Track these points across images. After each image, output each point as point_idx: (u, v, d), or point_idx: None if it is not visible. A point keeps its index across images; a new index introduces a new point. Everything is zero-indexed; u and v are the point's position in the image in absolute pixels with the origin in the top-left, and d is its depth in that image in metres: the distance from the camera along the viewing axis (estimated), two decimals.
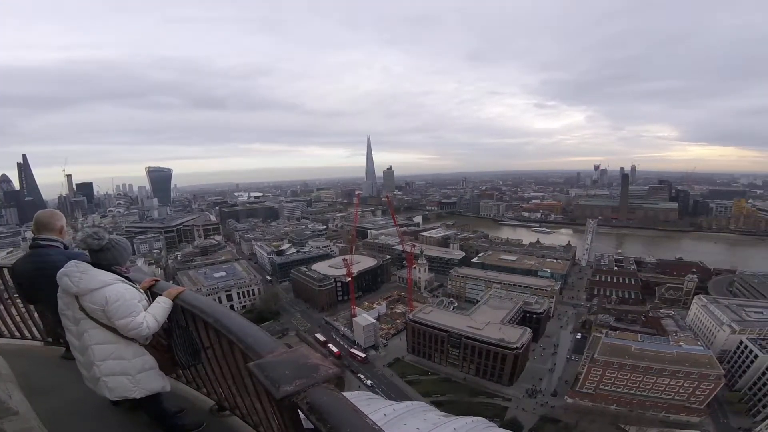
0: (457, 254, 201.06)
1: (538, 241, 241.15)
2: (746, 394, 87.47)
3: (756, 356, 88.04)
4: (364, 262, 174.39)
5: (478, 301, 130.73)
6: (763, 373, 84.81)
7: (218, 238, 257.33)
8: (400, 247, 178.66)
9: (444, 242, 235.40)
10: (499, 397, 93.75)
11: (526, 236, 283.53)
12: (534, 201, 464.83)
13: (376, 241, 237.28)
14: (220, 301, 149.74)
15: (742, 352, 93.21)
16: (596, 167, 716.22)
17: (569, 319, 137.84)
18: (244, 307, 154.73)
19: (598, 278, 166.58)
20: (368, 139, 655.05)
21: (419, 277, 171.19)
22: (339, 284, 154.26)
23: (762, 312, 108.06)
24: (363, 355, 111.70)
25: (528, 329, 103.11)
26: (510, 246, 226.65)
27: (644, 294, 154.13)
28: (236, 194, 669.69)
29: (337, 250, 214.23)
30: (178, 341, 5.28)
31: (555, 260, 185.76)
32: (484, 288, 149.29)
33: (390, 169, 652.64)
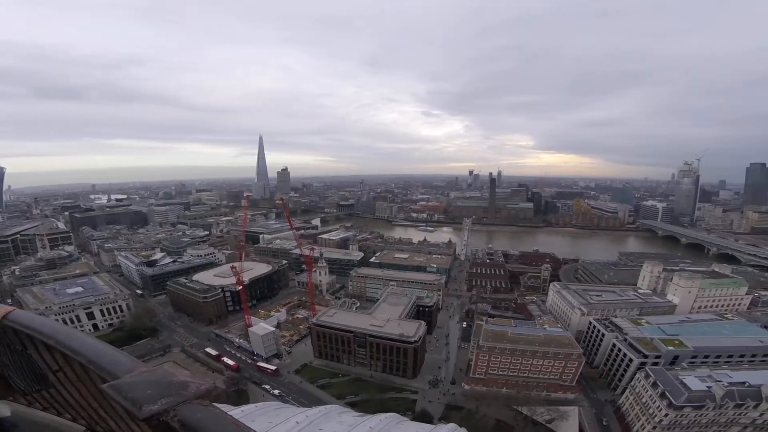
0: (357, 255, 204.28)
1: (425, 239, 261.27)
2: (603, 370, 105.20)
3: (603, 335, 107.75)
4: (257, 269, 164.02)
5: (378, 300, 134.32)
6: (611, 351, 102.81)
7: (69, 248, 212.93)
8: (298, 251, 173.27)
9: (343, 244, 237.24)
10: (407, 390, 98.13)
11: (415, 235, 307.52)
12: (421, 203, 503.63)
13: (270, 246, 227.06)
14: (79, 320, 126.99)
15: (593, 332, 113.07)
16: (470, 172, 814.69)
17: (455, 310, 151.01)
18: (111, 325, 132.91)
19: (474, 271, 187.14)
20: (260, 138, 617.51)
21: (320, 281, 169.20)
22: (228, 294, 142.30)
23: (601, 295, 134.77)
24: (273, 368, 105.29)
25: (423, 322, 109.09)
26: (402, 245, 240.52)
27: (512, 283, 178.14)
28: (93, 197, 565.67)
29: (223, 257, 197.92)
30: (12, 365, 4.84)
31: (440, 256, 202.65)
32: (383, 286, 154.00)
33: (285, 170, 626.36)
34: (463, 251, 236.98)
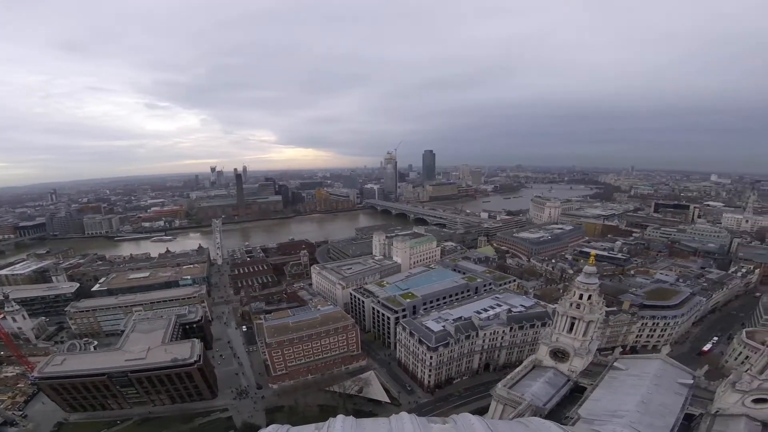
0: (68, 287, 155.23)
1: (168, 251, 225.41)
2: (375, 332, 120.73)
3: (363, 302, 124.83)
4: None
5: (123, 331, 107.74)
6: (373, 314, 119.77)
7: None
8: None
9: (41, 277, 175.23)
10: (215, 411, 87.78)
11: (153, 248, 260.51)
12: (154, 209, 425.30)
13: None
14: None
15: (355, 301, 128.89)
16: (213, 169, 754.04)
17: (229, 316, 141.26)
18: None
19: (237, 272, 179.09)
20: None
21: (19, 328, 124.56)
22: None
23: (351, 267, 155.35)
24: None
25: (196, 340, 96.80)
26: (137, 262, 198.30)
27: (277, 275, 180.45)
28: None
29: None
30: None
31: (192, 265, 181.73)
32: (125, 315, 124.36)
33: None
34: (219, 254, 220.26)
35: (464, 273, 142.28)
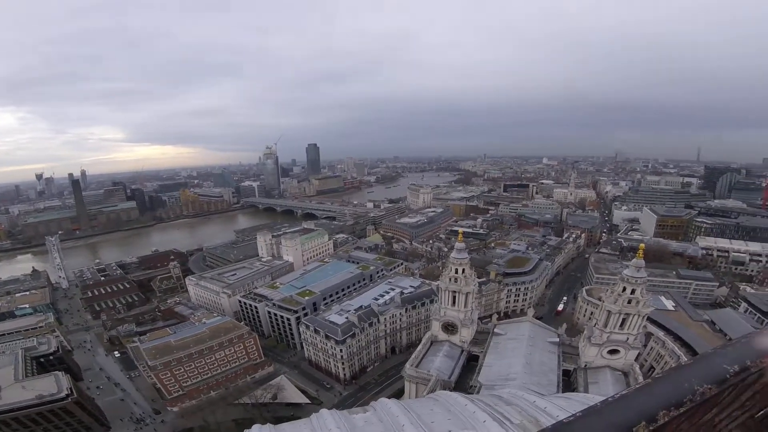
0: None
1: None
2: (276, 336, 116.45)
3: (256, 307, 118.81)
4: None
5: None
6: (270, 318, 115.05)
7: None
8: None
9: None
10: None
11: None
12: None
13: None
14: None
15: (247, 308, 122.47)
16: (39, 176, 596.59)
17: (94, 343, 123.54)
18: None
19: (91, 294, 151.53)
20: None
21: None
22: None
23: (235, 273, 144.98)
24: None
25: (59, 372, 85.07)
26: None
27: (144, 292, 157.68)
28: None
29: None
30: None
31: (29, 292, 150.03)
32: None
33: None
34: (62, 277, 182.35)
35: (358, 263, 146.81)
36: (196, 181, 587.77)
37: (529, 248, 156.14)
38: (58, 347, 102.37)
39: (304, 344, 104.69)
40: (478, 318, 77.41)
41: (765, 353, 3.54)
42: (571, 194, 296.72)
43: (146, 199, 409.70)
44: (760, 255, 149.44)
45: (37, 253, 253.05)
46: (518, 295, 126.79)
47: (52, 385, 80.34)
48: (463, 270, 70.60)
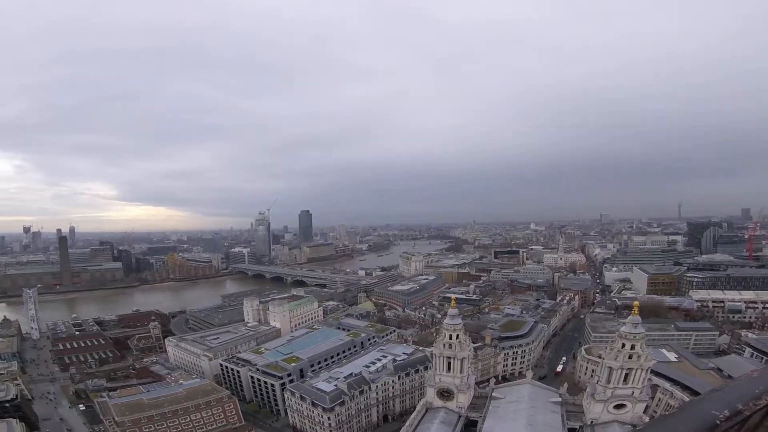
0: None
1: None
2: (258, 402, 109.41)
3: (238, 372, 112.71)
4: None
5: None
6: (252, 383, 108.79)
7: None
8: None
9: None
10: None
11: None
12: None
13: None
14: None
15: (228, 372, 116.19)
16: (27, 229, 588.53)
17: (58, 395, 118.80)
18: None
19: (62, 347, 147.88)
20: None
21: None
22: None
23: (218, 337, 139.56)
24: None
25: (13, 420, 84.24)
26: None
27: (119, 350, 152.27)
28: None
29: None
30: None
31: None
32: None
33: None
34: (34, 328, 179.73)
35: (348, 330, 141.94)
36: (185, 245, 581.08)
37: (524, 312, 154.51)
38: (17, 395, 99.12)
39: (288, 411, 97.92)
40: (475, 382, 74.05)
41: (759, 395, 3.22)
42: (561, 259, 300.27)
43: (132, 261, 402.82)
44: (755, 302, 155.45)
45: (13, 304, 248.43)
46: (515, 358, 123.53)
47: (4, 431, 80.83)
48: (458, 335, 69.77)
